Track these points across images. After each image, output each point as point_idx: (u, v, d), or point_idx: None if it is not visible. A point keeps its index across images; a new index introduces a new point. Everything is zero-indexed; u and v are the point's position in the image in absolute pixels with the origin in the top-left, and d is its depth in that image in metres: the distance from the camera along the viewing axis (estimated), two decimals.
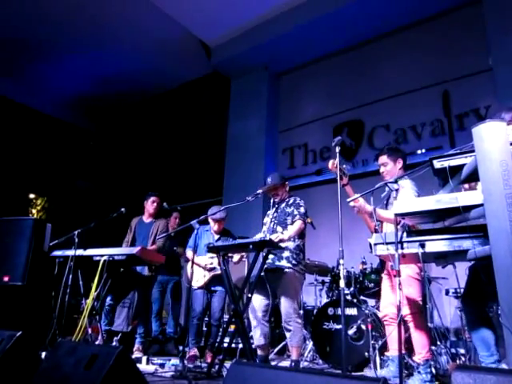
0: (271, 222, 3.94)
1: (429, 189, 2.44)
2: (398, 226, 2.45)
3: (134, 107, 10.14)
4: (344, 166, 3.26)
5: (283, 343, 4.59)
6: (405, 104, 6.60)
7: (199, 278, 4.47)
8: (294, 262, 3.73)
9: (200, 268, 4.50)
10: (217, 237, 4.66)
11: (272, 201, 4.06)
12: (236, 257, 4.23)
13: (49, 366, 2.24)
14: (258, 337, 3.74)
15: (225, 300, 4.52)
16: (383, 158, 3.39)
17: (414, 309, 3.03)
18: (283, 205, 3.95)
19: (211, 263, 4.46)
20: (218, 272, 4.34)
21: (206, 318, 4.75)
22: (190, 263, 4.63)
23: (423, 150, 6.20)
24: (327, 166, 3.21)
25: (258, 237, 3.79)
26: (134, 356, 4.29)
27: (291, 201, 3.94)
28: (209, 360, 4.03)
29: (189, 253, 4.64)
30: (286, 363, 4.12)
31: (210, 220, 4.61)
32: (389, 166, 3.36)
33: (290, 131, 8.00)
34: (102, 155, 10.68)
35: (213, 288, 4.50)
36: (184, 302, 5.88)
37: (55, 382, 2.10)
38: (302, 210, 3.85)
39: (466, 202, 2.07)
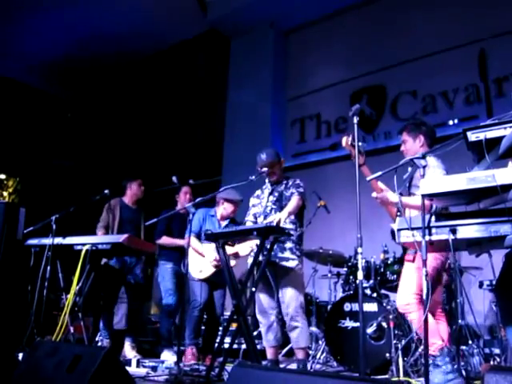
0: (267, 207, 3.98)
1: (462, 165, 2.43)
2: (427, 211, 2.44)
3: (118, 73, 10.06)
4: (360, 143, 3.27)
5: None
6: (434, 66, 6.53)
7: (203, 268, 4.52)
8: (297, 253, 3.85)
9: (201, 258, 4.54)
10: (224, 223, 4.71)
11: (267, 181, 4.08)
12: (244, 250, 4.26)
13: (27, 368, 2.29)
14: (271, 338, 3.82)
15: (225, 296, 4.58)
16: (403, 135, 3.44)
17: (411, 299, 3.08)
18: (282, 187, 3.99)
19: (216, 259, 4.45)
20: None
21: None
22: (190, 251, 4.68)
23: (456, 121, 6.16)
24: (341, 142, 3.24)
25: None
26: (122, 357, 4.39)
27: (290, 183, 4.00)
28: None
29: (192, 240, 4.63)
30: (295, 366, 4.19)
31: (226, 204, 4.67)
32: (408, 144, 3.40)
33: (300, 99, 7.95)
34: (81, 129, 10.64)
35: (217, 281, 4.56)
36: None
37: None
38: (301, 189, 3.94)
39: (505, 180, 2.06)
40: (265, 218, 3.92)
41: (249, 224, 4.05)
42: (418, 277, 3.02)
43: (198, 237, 4.64)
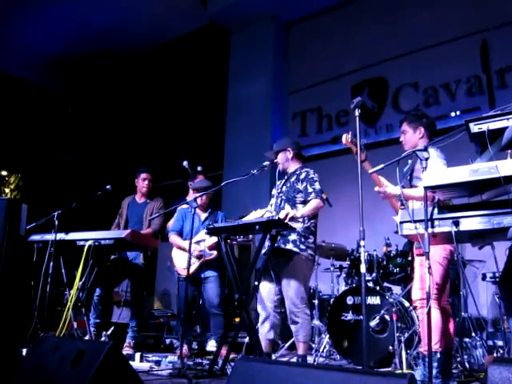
0: (278, 197, 3.90)
1: (464, 157, 2.42)
2: (429, 202, 2.44)
3: (118, 68, 10.04)
4: (362, 140, 3.27)
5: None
6: (436, 58, 6.49)
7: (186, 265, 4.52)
8: (302, 246, 3.67)
9: (186, 254, 4.54)
10: (204, 216, 4.67)
11: (277, 170, 4.01)
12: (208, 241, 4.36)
13: (31, 363, 2.29)
14: (265, 331, 3.70)
15: (221, 286, 4.58)
16: (403, 125, 3.45)
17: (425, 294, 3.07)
18: (293, 178, 3.86)
19: (198, 250, 4.48)
20: (209, 257, 4.47)
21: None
22: (174, 249, 4.71)
23: (458, 112, 6.14)
24: (341, 138, 3.27)
25: (259, 213, 3.75)
26: (124, 352, 4.39)
27: (303, 175, 3.83)
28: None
29: (173, 237, 4.69)
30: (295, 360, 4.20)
31: (191, 192, 4.63)
32: (408, 135, 3.40)
33: (301, 93, 7.93)
34: (82, 124, 10.64)
35: (203, 275, 4.54)
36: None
37: (39, 381, 2.16)
38: (318, 185, 3.75)
39: (508, 171, 2.06)
40: (275, 208, 3.85)
41: (267, 214, 3.87)
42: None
43: (180, 234, 4.69)
